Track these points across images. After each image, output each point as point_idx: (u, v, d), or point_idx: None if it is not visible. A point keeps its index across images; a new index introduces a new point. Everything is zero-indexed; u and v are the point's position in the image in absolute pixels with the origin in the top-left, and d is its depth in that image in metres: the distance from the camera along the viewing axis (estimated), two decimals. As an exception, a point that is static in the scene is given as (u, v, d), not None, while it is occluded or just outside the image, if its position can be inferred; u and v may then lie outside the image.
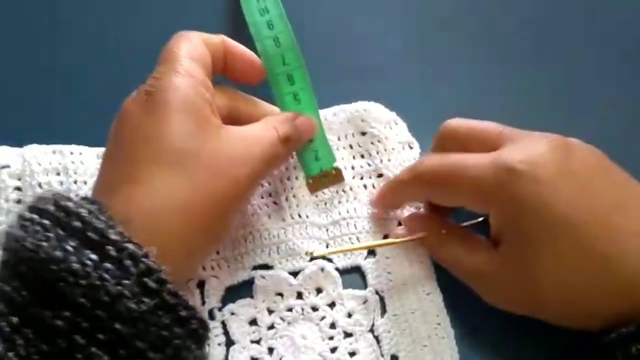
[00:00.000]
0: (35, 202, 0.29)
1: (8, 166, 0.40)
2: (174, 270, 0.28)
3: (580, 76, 0.45)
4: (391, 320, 0.37)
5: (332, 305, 0.38)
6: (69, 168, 0.40)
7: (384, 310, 0.38)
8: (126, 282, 0.27)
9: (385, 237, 0.40)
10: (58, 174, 0.40)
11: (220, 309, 0.38)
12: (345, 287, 0.38)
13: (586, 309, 0.33)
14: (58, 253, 0.27)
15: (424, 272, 0.38)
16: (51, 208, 0.28)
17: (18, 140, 0.40)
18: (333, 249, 0.39)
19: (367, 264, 0.39)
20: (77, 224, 0.28)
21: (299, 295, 0.38)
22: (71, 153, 0.40)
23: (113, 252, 0.27)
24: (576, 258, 0.32)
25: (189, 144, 0.32)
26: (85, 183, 0.40)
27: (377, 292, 0.38)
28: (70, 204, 0.28)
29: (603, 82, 0.45)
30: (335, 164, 0.40)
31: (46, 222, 0.28)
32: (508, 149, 0.34)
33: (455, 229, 0.38)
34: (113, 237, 0.27)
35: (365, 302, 0.38)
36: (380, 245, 0.39)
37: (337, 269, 0.39)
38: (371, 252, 0.39)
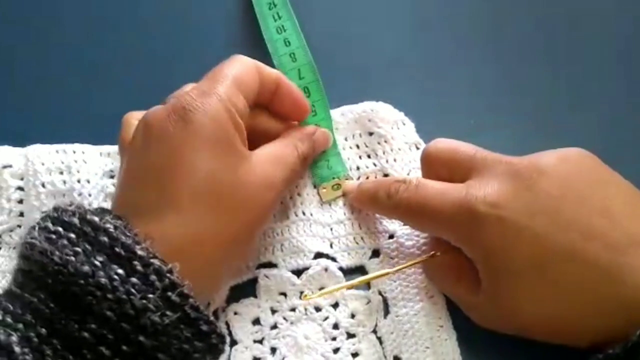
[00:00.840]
0: (57, 214, 0.30)
1: (10, 166, 0.40)
2: (199, 288, 0.29)
3: (580, 76, 0.44)
4: (394, 321, 0.37)
5: (335, 305, 0.38)
6: (71, 167, 0.40)
7: (387, 311, 0.38)
8: (151, 296, 0.28)
9: (391, 237, 0.39)
10: (61, 172, 0.40)
11: (224, 309, 0.38)
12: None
13: (570, 332, 0.33)
14: (86, 268, 0.28)
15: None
16: (76, 221, 0.29)
17: (20, 140, 0.41)
18: (325, 291, 0.37)
19: (371, 264, 0.39)
20: (105, 239, 0.29)
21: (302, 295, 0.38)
22: (74, 152, 0.40)
23: (139, 267, 0.28)
24: (549, 291, 0.32)
25: (224, 178, 0.32)
26: (88, 181, 0.40)
27: (380, 293, 0.38)
28: (96, 219, 0.29)
29: (603, 82, 0.44)
30: (346, 173, 0.41)
31: (72, 236, 0.29)
32: (474, 185, 0.34)
33: (448, 248, 0.36)
34: (140, 252, 0.28)
35: (368, 302, 0.38)
36: (372, 279, 0.38)
37: (340, 268, 0.39)
38: (375, 252, 0.39)
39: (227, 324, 0.38)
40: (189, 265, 0.29)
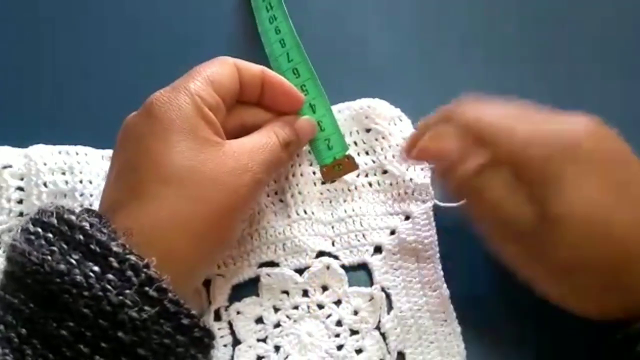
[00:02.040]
0: (38, 215, 0.30)
1: (10, 166, 0.40)
2: (178, 280, 0.29)
3: (580, 76, 0.45)
4: (397, 317, 0.37)
5: (338, 302, 0.38)
6: (74, 167, 0.40)
7: (390, 307, 0.38)
8: (128, 291, 0.28)
9: (393, 233, 0.39)
10: (63, 173, 0.40)
11: (227, 308, 0.38)
12: (351, 284, 0.38)
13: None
14: (62, 266, 0.28)
15: (431, 268, 0.38)
16: (54, 221, 0.29)
17: (20, 140, 0.41)
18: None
19: (374, 261, 0.39)
20: (80, 237, 0.29)
21: (305, 293, 0.38)
22: (77, 153, 0.40)
23: (115, 264, 0.28)
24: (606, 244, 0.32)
25: (189, 162, 0.32)
26: (90, 182, 0.40)
27: (383, 289, 0.38)
28: (72, 217, 0.29)
29: (603, 82, 0.44)
30: (347, 152, 0.40)
31: (50, 235, 0.29)
32: (577, 119, 0.35)
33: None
34: (115, 249, 0.28)
35: (371, 299, 0.38)
36: None
37: (343, 266, 0.39)
38: (377, 248, 0.39)
39: (229, 323, 0.38)
40: (163, 254, 0.29)
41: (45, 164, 0.39)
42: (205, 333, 0.30)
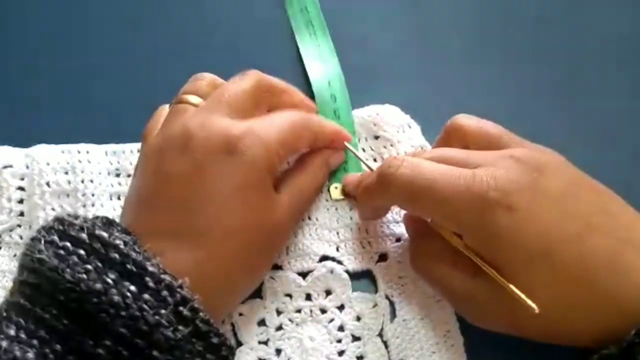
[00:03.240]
0: (62, 227, 0.30)
1: (11, 166, 0.40)
2: (215, 309, 0.31)
3: (580, 76, 0.45)
4: (400, 325, 0.37)
5: (341, 307, 0.38)
6: (76, 167, 0.40)
7: (393, 315, 0.38)
8: (163, 311, 0.28)
9: (398, 240, 0.39)
10: (66, 172, 0.40)
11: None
12: (355, 289, 0.38)
13: (570, 329, 0.33)
14: (98, 286, 0.28)
15: None
16: (85, 237, 0.29)
17: (22, 140, 0.40)
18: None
19: (378, 269, 0.39)
20: (115, 255, 0.29)
21: (308, 297, 0.38)
22: (78, 152, 0.40)
23: (151, 284, 0.28)
24: (554, 285, 0.32)
25: (252, 220, 0.34)
26: (91, 181, 0.40)
27: (387, 297, 0.38)
28: (105, 234, 0.29)
29: (603, 82, 0.44)
30: None
31: (82, 252, 0.29)
32: (485, 171, 0.33)
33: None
34: (150, 269, 0.29)
35: (374, 306, 0.38)
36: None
37: (347, 271, 0.39)
38: (383, 256, 0.39)
39: (232, 325, 0.37)
40: (215, 291, 0.31)
41: (48, 164, 0.39)
42: (229, 351, 0.31)
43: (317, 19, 0.46)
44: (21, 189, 0.39)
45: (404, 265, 0.38)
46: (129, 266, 0.28)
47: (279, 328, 0.38)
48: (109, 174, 0.41)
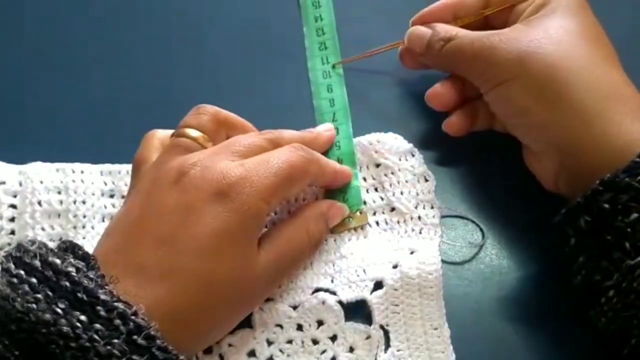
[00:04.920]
0: (19, 253, 0.29)
1: (3, 182, 0.39)
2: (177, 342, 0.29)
3: None
4: (395, 355, 0.36)
5: (333, 338, 0.36)
6: (69, 187, 0.39)
7: (387, 345, 0.36)
8: (115, 341, 0.27)
9: (395, 267, 0.38)
10: (59, 192, 0.39)
11: (218, 342, 0.36)
12: (348, 319, 0.37)
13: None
14: (48, 316, 0.27)
15: (433, 305, 0.37)
16: (37, 264, 0.28)
17: (13, 156, 0.40)
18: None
19: (373, 299, 0.37)
20: (66, 284, 0.28)
21: (299, 327, 0.37)
22: (73, 171, 0.40)
23: (103, 312, 0.27)
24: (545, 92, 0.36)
25: (230, 275, 0.32)
26: (84, 202, 0.40)
27: (382, 327, 0.36)
28: (57, 261, 0.28)
29: None
30: (361, 207, 0.40)
31: (34, 280, 0.28)
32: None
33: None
34: (103, 297, 0.28)
35: (368, 337, 0.36)
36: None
37: (340, 302, 0.37)
38: (378, 284, 0.37)
39: (220, 356, 0.36)
40: (180, 334, 0.30)
41: (41, 182, 0.39)
42: None
43: (331, 40, 0.47)
44: (13, 206, 0.39)
45: (401, 292, 0.37)
46: (79, 294, 0.27)
47: (270, 359, 0.36)
48: (102, 194, 0.40)
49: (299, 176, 0.36)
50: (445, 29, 0.41)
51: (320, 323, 0.37)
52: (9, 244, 0.38)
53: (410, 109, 0.45)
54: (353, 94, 0.45)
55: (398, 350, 0.36)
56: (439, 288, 0.37)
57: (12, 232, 0.39)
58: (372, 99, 0.45)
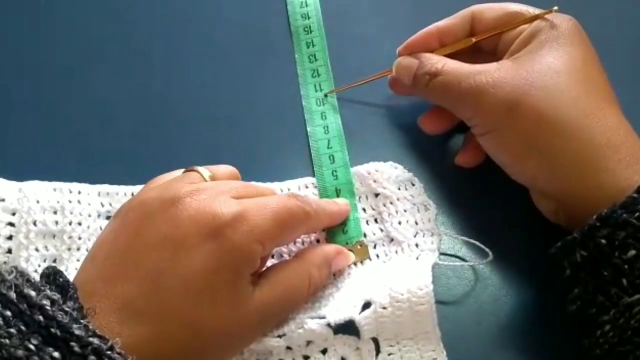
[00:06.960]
0: None
1: (3, 200, 0.39)
2: None
3: None
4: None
5: (324, 351, 0.35)
6: (65, 208, 0.39)
7: (378, 351, 0.35)
8: None
9: (384, 287, 0.36)
10: (55, 212, 0.39)
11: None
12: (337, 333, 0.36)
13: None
14: (20, 352, 0.26)
15: (424, 322, 0.35)
16: (13, 296, 0.28)
17: (18, 173, 0.40)
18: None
19: (362, 319, 0.35)
20: (40, 318, 0.27)
21: (289, 348, 0.35)
22: (70, 191, 0.40)
23: (77, 348, 0.27)
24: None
25: (220, 315, 0.31)
26: (79, 224, 0.39)
27: (372, 339, 0.35)
28: (32, 293, 0.28)
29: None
30: (361, 239, 0.40)
31: (8, 313, 0.27)
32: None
33: None
34: (77, 332, 0.27)
35: (357, 349, 0.35)
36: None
37: (328, 324, 0.35)
38: (367, 305, 0.36)
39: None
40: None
41: (38, 202, 0.39)
42: None
43: (323, 67, 0.47)
44: (11, 224, 0.38)
45: (390, 312, 0.35)
46: (53, 330, 0.26)
47: (260, 378, 0.34)
48: (99, 216, 0.40)
49: (296, 224, 0.35)
50: (432, 62, 0.40)
51: (309, 342, 0.36)
52: (5, 262, 0.38)
53: (406, 136, 0.44)
54: (348, 122, 0.44)
55: (389, 355, 0.35)
56: (430, 305, 0.35)
57: (9, 251, 0.38)
58: (367, 128, 0.45)
